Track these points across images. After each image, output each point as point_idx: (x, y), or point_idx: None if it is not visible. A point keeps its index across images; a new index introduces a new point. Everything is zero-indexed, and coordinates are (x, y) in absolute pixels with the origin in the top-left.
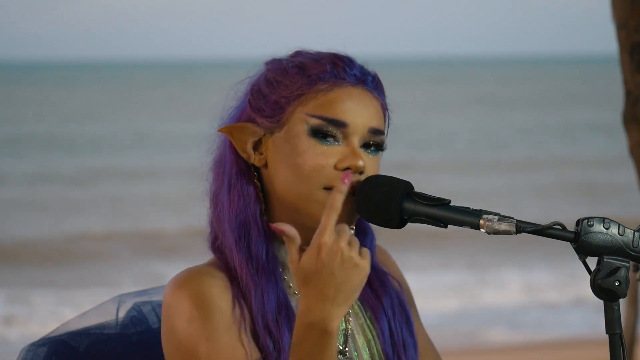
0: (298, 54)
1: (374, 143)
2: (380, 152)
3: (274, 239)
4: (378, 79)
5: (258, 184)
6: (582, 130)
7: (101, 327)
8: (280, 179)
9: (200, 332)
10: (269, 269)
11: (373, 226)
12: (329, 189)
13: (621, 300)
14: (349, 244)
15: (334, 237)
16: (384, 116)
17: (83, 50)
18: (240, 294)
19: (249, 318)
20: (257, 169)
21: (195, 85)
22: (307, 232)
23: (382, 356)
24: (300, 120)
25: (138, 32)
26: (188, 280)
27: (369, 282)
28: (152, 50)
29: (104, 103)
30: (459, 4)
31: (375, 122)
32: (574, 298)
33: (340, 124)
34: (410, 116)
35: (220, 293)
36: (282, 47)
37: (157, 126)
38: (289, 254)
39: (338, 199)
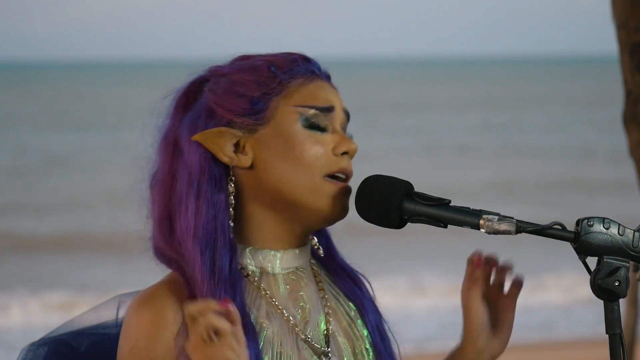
0: (253, 56)
1: (345, 127)
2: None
3: (240, 245)
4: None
5: (232, 189)
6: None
7: (101, 327)
8: (276, 174)
9: None
10: (230, 282)
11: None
12: (330, 177)
13: (621, 300)
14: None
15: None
16: None
17: (87, 50)
18: None
19: None
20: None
21: None
22: (298, 230)
23: (371, 353)
24: (289, 112)
25: (146, 32)
26: (143, 304)
27: (353, 281)
28: (165, 50)
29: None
30: (458, 3)
31: (344, 106)
32: (577, 299)
33: (330, 109)
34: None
35: (174, 316)
36: (292, 45)
37: None
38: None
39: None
